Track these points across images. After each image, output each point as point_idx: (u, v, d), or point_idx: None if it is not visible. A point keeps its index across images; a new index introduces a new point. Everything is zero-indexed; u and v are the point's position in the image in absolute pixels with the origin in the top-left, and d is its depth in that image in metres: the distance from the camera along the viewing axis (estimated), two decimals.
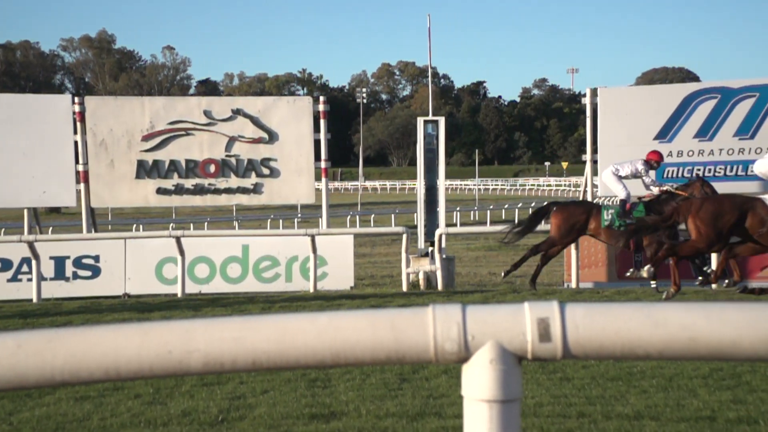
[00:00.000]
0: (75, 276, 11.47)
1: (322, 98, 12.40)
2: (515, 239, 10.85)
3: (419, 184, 12.32)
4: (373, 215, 33.57)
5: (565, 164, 73.38)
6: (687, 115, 11.60)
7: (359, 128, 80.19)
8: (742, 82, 11.62)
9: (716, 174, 11.58)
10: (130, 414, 4.51)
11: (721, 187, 12.02)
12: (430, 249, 11.53)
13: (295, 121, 12.08)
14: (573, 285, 11.17)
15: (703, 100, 11.60)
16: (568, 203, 11.32)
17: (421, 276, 11.34)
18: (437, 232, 11.33)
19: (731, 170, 11.54)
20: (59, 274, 11.41)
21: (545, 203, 11.50)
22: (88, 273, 11.53)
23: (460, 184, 64.60)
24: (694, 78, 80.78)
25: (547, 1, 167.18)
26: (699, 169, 11.62)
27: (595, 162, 11.90)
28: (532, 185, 64.26)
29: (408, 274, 11.21)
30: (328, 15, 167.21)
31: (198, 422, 4.33)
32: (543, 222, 10.99)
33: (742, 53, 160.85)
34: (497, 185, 65.31)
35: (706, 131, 11.57)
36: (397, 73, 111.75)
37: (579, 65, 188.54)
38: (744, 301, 1.27)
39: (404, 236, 11.18)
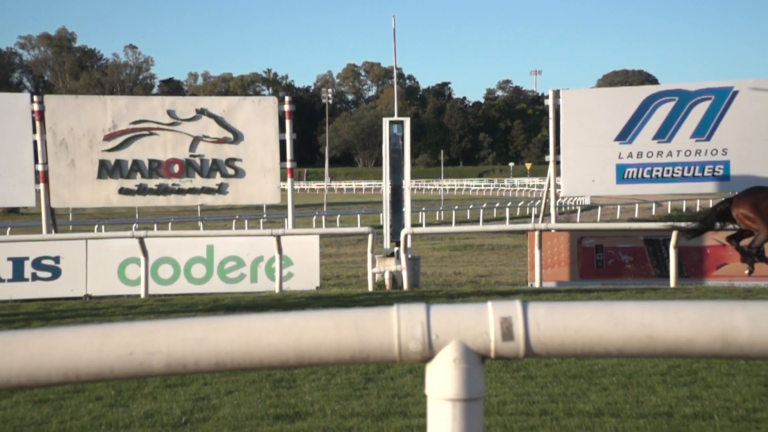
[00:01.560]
0: (34, 277, 11.22)
1: (287, 98, 12.33)
2: (693, 236, 9.83)
3: (385, 185, 12.34)
4: (339, 215, 33.51)
5: (528, 165, 74.19)
6: (646, 117, 11.82)
7: (325, 128, 80.00)
8: (698, 85, 11.89)
9: (674, 175, 11.82)
10: (91, 417, 4.43)
11: (679, 188, 12.31)
12: (396, 249, 11.56)
13: (260, 122, 12.00)
14: (536, 284, 11.30)
15: (662, 102, 11.84)
16: (745, 192, 9.57)
17: (386, 276, 11.35)
18: (403, 232, 11.36)
19: (689, 171, 11.79)
20: (18, 276, 11.16)
21: (722, 200, 9.82)
22: (48, 274, 11.30)
23: (426, 185, 64.86)
24: (653, 80, 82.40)
25: (511, 3, 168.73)
26: (658, 170, 11.85)
27: (558, 162, 12.05)
28: (496, 185, 64.82)
29: (374, 274, 11.22)
30: (294, 15, 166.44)
31: (161, 424, 4.28)
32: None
33: (699, 56, 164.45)
34: (462, 185, 65.71)
35: (664, 133, 11.80)
36: (363, 73, 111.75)
37: (542, 67, 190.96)
38: (700, 299, 1.31)
39: (370, 236, 11.19)
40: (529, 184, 60.58)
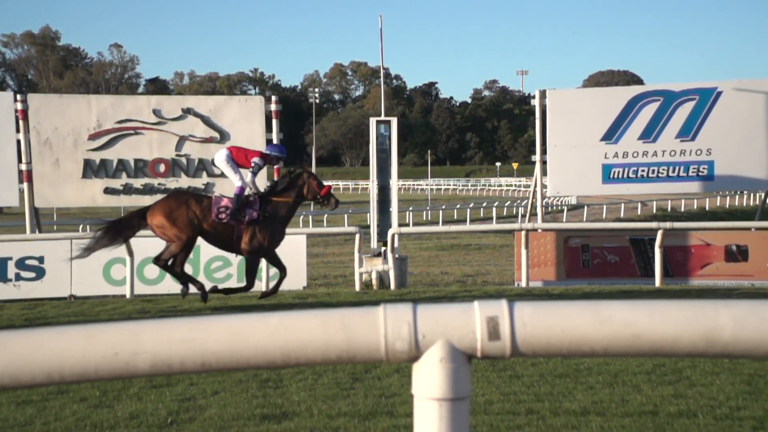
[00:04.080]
0: (18, 277, 11.12)
1: (274, 98, 12.29)
2: None
3: (372, 184, 12.34)
4: (325, 215, 33.45)
5: (515, 165, 74.40)
6: (632, 117, 11.90)
7: (312, 128, 79.85)
8: (683, 86, 11.98)
9: (659, 175, 11.91)
10: (75, 418, 4.40)
11: (664, 188, 12.41)
12: (383, 249, 11.56)
13: (246, 121, 11.96)
14: (523, 284, 11.34)
15: (647, 102, 11.92)
16: None
17: (374, 276, 11.36)
18: (390, 232, 11.37)
19: (673, 171, 11.88)
20: (1, 276, 11.05)
21: None
22: (32, 274, 11.20)
23: (413, 184, 64.88)
24: (639, 81, 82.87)
25: (497, 3, 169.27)
26: (643, 170, 11.93)
27: (544, 162, 12.09)
28: (483, 185, 64.94)
29: (361, 274, 11.23)
30: (281, 14, 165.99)
31: (146, 425, 4.26)
32: None
33: (684, 57, 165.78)
34: (449, 185, 65.80)
35: (649, 133, 11.88)
36: (350, 73, 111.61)
37: (528, 67, 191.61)
38: (684, 298, 1.32)
39: (357, 236, 11.18)
40: (515, 184, 60.78)
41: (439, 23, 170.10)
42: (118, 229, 8.64)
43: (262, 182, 10.64)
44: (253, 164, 8.77)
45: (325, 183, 9.10)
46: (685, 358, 4.99)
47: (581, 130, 11.94)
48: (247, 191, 8.76)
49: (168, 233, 8.46)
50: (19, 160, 11.55)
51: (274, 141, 12.10)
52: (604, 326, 1.16)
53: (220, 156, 8.96)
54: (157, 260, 8.60)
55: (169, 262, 8.56)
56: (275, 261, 9.02)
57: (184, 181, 11.89)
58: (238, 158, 8.87)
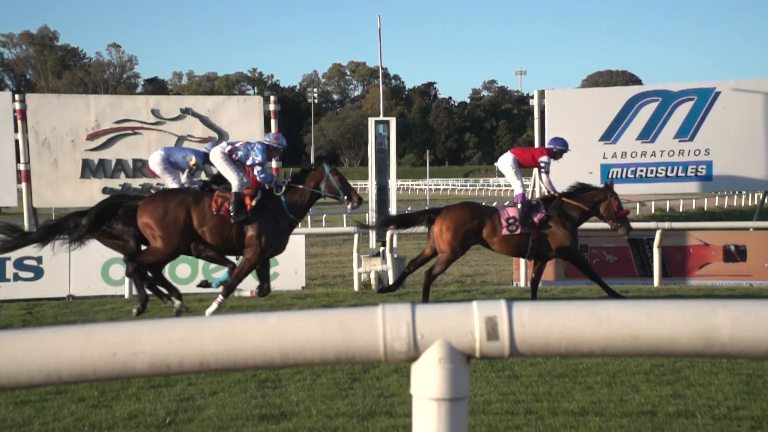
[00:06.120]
0: (16, 277, 11.10)
1: (272, 98, 12.29)
2: None
3: (370, 185, 12.34)
4: (324, 215, 33.44)
5: None
6: (630, 118, 11.90)
7: (310, 128, 79.86)
8: (681, 86, 11.99)
9: (658, 175, 11.92)
10: (74, 418, 4.40)
11: (662, 188, 12.42)
12: (382, 249, 11.56)
13: (245, 121, 11.95)
14: (522, 284, 11.34)
15: (645, 102, 11.93)
16: None
17: (372, 276, 11.36)
18: (388, 232, 11.36)
19: (672, 171, 11.89)
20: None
21: None
22: (30, 274, 11.18)
23: (412, 184, 64.88)
24: (637, 81, 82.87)
25: (496, 3, 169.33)
26: (642, 170, 11.94)
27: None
28: (482, 185, 64.97)
29: (359, 274, 11.23)
30: (279, 14, 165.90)
31: (145, 425, 4.26)
32: None
33: (682, 57, 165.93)
34: (448, 185, 65.81)
35: (648, 133, 11.89)
36: (348, 73, 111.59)
37: (527, 67, 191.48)
38: (683, 299, 1.32)
39: (356, 236, 11.18)
40: None
41: (438, 23, 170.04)
42: (400, 221, 8.84)
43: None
44: (542, 164, 8.64)
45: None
46: (684, 358, 5.00)
47: (580, 130, 11.94)
48: (545, 190, 8.67)
49: (444, 241, 8.35)
50: (18, 160, 11.54)
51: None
52: (603, 326, 1.16)
53: (505, 160, 8.71)
54: (429, 276, 8.70)
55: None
56: (578, 258, 8.86)
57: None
58: (524, 160, 8.67)
